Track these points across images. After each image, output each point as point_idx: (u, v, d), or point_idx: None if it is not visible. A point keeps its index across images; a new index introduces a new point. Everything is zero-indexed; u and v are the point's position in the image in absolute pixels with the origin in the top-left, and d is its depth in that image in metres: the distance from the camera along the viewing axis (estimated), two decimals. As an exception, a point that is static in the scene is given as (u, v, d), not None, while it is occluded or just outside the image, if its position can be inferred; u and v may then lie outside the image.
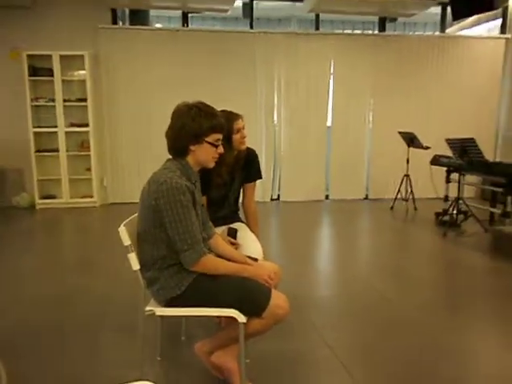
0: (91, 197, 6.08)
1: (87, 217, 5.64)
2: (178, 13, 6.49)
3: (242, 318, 1.73)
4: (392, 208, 6.03)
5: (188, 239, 1.69)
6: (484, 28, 7.16)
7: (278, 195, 6.72)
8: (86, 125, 5.90)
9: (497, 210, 5.02)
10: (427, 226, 5.18)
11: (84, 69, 5.78)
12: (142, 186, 1.82)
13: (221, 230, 2.42)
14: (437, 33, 6.95)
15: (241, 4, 6.51)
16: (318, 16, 6.61)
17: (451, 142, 4.87)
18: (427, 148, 5.45)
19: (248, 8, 6.50)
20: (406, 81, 6.61)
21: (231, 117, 2.34)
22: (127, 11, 6.61)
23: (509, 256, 3.92)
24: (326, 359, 2.27)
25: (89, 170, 6.02)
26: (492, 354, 2.37)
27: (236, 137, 2.38)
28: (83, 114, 5.89)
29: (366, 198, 6.83)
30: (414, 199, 5.91)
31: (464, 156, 4.73)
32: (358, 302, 3.02)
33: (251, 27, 6.51)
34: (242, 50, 6.28)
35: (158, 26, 7.90)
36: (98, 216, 5.78)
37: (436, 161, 5.52)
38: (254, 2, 6.49)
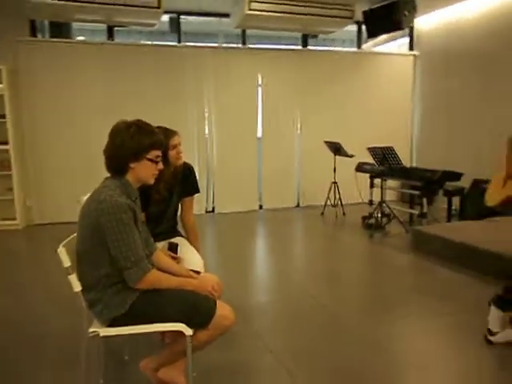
0: (13, 219, 5.70)
1: (9, 240, 5.26)
2: (103, 26, 6.35)
3: (188, 331, 1.76)
4: (322, 214, 6.32)
5: (131, 257, 1.70)
6: (397, 44, 7.79)
7: (213, 207, 6.76)
8: (5, 143, 5.54)
9: (415, 211, 5.47)
10: (355, 230, 5.51)
11: (1, 83, 5.45)
12: (71, 205, 1.80)
13: (161, 245, 2.43)
14: (354, 49, 7.46)
15: (167, 19, 6.52)
16: (244, 31, 6.81)
17: (372, 150, 5.25)
18: (352, 156, 5.81)
19: (175, 23, 6.53)
20: (328, 93, 6.99)
21: (167, 133, 2.38)
22: (47, 23, 6.33)
23: (428, 254, 4.29)
24: (270, 366, 2.36)
25: (10, 190, 5.64)
26: (419, 346, 2.60)
27: (172, 153, 2.42)
28: (1, 132, 5.53)
29: (298, 205, 7.09)
30: (342, 205, 6.24)
31: (384, 163, 5.13)
32: (296, 309, 3.15)
33: (179, 42, 6.54)
34: (170, 64, 6.28)
35: (81, 38, 7.64)
36: (21, 238, 5.42)
37: (360, 168, 5.91)
38: (181, 17, 6.54)
